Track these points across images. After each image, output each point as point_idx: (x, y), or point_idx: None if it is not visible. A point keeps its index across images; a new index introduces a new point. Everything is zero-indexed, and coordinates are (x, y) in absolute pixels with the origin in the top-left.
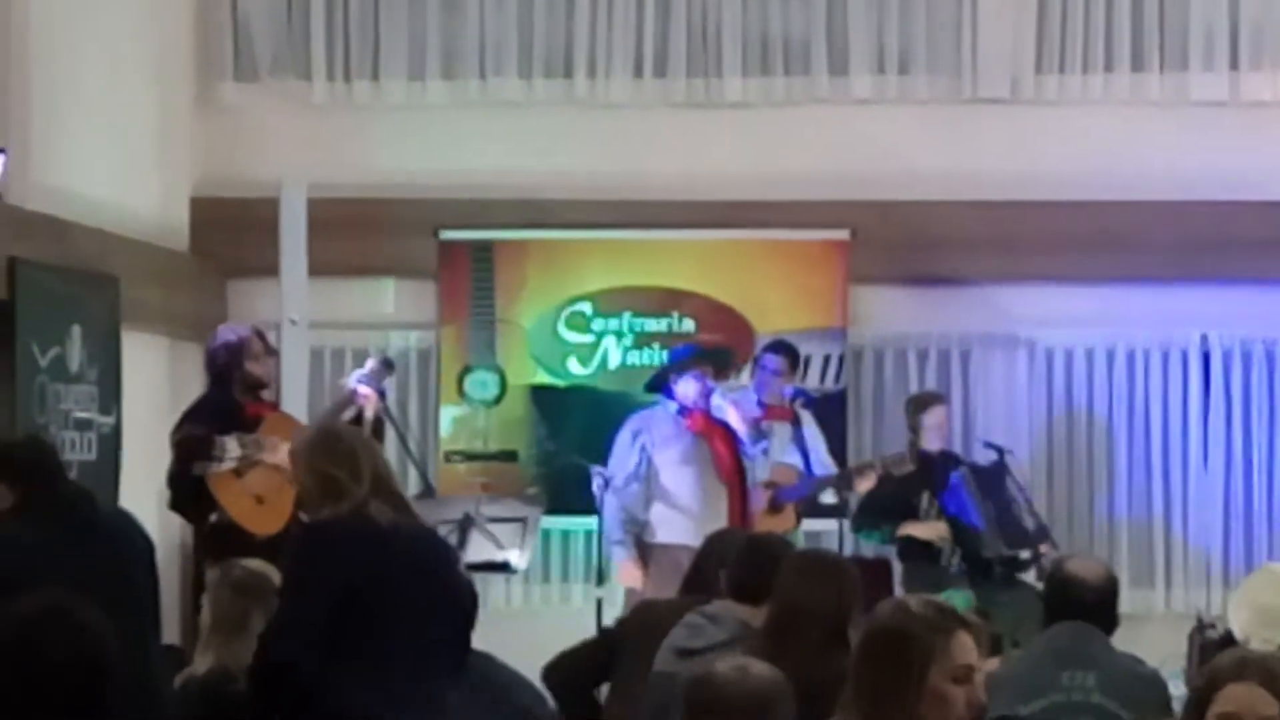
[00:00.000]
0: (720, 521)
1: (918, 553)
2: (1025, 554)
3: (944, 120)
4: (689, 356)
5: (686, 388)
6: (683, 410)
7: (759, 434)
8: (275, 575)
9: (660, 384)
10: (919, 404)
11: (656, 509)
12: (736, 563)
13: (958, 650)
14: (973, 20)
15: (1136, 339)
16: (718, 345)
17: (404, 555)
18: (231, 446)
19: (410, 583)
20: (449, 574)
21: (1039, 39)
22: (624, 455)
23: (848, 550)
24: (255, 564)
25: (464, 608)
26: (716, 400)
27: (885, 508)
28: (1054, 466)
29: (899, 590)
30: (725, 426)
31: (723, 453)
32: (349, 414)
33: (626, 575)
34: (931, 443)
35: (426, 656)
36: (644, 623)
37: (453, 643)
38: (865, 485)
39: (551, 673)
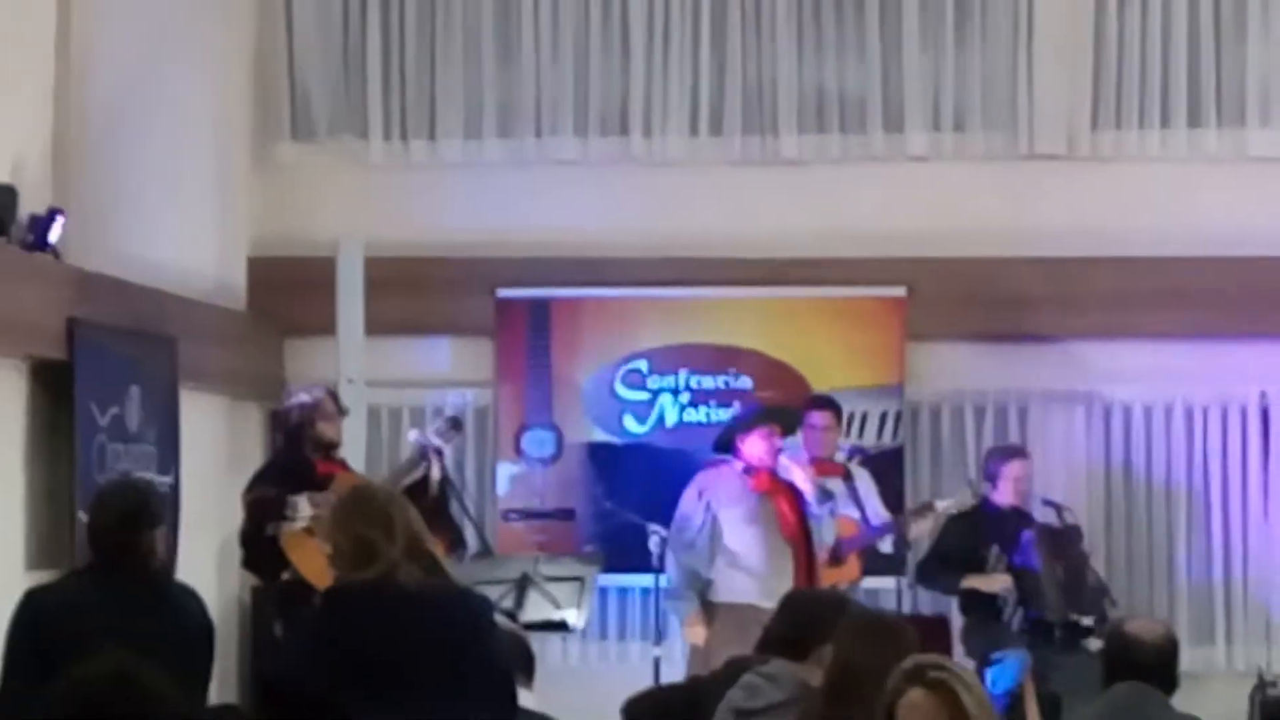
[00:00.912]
0: (785, 581)
1: (980, 607)
2: (1088, 621)
3: (1000, 176)
4: (756, 415)
5: (754, 447)
6: (748, 469)
7: (825, 494)
8: None
9: (727, 443)
10: (1001, 455)
11: (721, 567)
12: (777, 618)
13: (903, 710)
14: (1028, 76)
15: (1196, 395)
16: (784, 404)
17: (429, 620)
18: (304, 506)
19: (436, 648)
20: (481, 636)
21: (1095, 94)
22: (689, 513)
23: (906, 607)
24: None
25: (501, 669)
26: (784, 460)
27: (951, 558)
28: (1113, 523)
29: (957, 647)
30: (790, 486)
31: (787, 512)
32: (418, 472)
33: (691, 632)
34: (1005, 496)
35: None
36: (730, 678)
37: (487, 707)
38: (922, 527)
39: (634, 706)
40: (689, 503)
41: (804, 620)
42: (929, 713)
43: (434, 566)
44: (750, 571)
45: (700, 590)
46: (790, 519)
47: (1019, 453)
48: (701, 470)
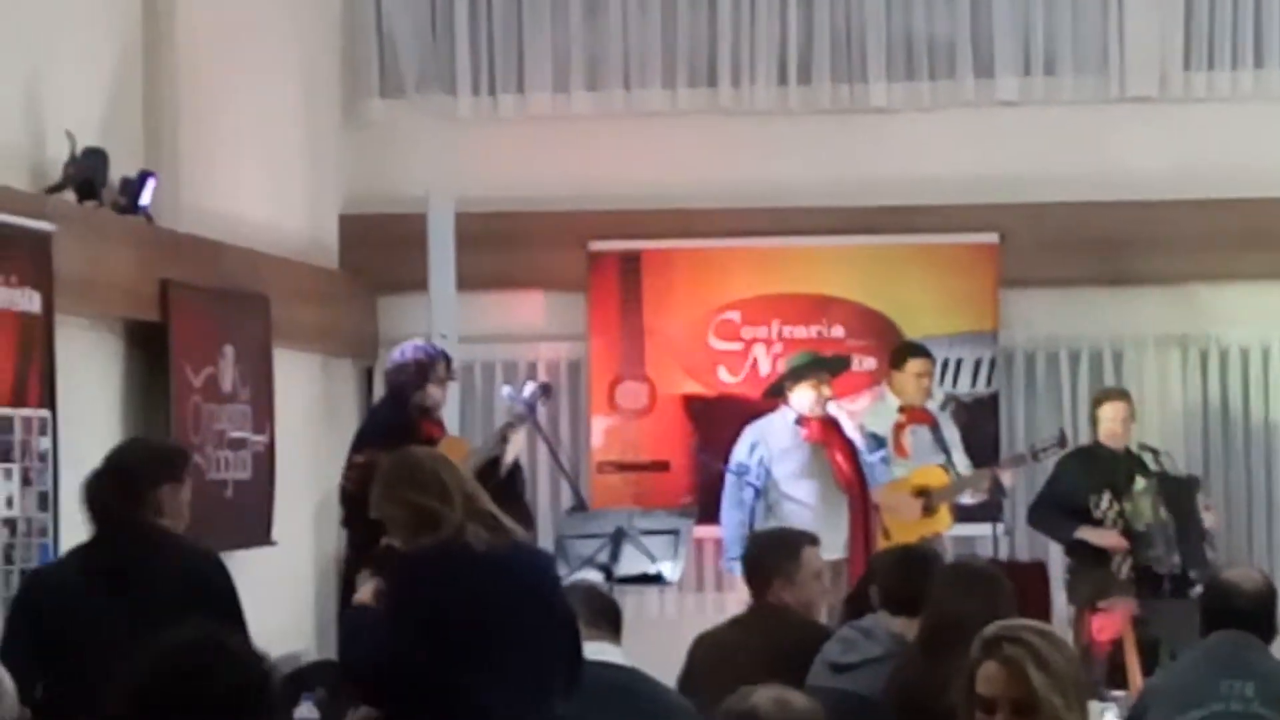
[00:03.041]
0: (841, 532)
1: (1088, 556)
2: (1194, 572)
3: (1091, 120)
4: (805, 364)
5: (803, 396)
6: (800, 419)
7: (877, 441)
8: None
9: (778, 393)
10: (1098, 398)
11: (778, 521)
12: (887, 574)
13: (980, 681)
14: (1119, 18)
15: None
16: (835, 353)
17: (503, 579)
18: None
19: (510, 607)
20: (550, 593)
21: (1186, 35)
22: (742, 467)
23: (1003, 553)
24: None
25: (569, 624)
26: (833, 408)
27: (1061, 505)
28: (1211, 466)
29: (1058, 593)
30: (842, 434)
31: (841, 462)
32: (495, 452)
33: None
34: (1110, 439)
35: (532, 678)
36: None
37: (560, 661)
38: (1011, 478)
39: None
40: (740, 457)
41: (907, 577)
42: (1001, 687)
43: (496, 524)
44: (807, 523)
45: None
46: (845, 468)
47: (1116, 394)
48: (752, 422)
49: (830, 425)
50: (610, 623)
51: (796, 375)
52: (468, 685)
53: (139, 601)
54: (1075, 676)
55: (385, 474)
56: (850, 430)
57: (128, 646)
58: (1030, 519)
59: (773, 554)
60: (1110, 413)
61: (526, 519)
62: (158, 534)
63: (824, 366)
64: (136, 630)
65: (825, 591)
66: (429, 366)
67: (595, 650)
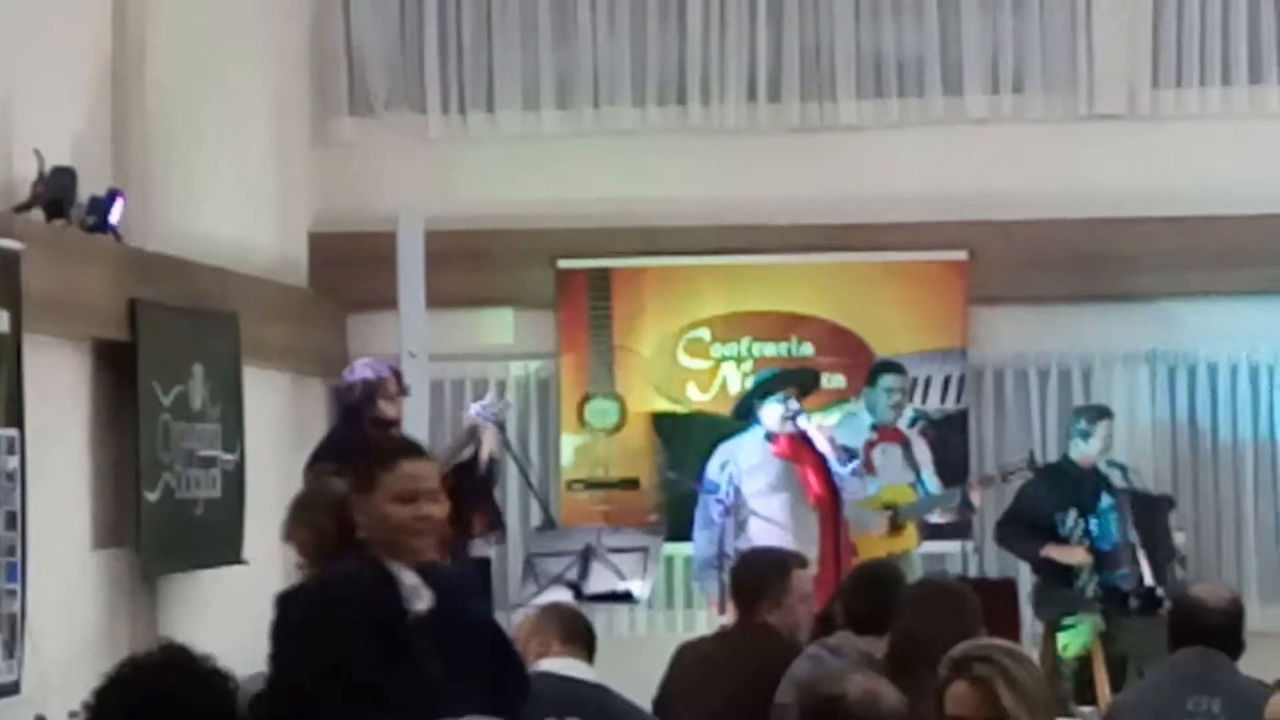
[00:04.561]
0: (813, 547)
1: (1054, 572)
2: (1162, 590)
3: (1060, 138)
4: (772, 380)
5: (771, 413)
6: (770, 435)
7: (848, 455)
8: None
9: (747, 410)
10: (1096, 414)
11: (747, 538)
12: (849, 594)
13: (949, 702)
14: (1087, 36)
15: (1261, 353)
16: (802, 366)
17: (382, 601)
18: None
19: (425, 622)
20: (464, 607)
21: (1155, 53)
22: (712, 486)
23: (973, 570)
24: None
25: (482, 632)
26: (802, 422)
27: (1028, 523)
28: (1179, 485)
29: (1027, 610)
30: (815, 450)
31: (812, 479)
32: (468, 451)
33: (719, 609)
34: (1084, 458)
35: (448, 692)
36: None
37: (480, 671)
38: (980, 497)
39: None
40: (711, 475)
41: (874, 594)
42: (970, 707)
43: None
44: (778, 540)
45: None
46: (815, 484)
47: (1100, 413)
48: (724, 441)
49: (800, 441)
50: (584, 641)
51: (764, 391)
52: (390, 693)
53: None
54: (1044, 696)
55: (297, 501)
56: (821, 444)
57: None
58: (997, 537)
59: (763, 574)
60: (1104, 430)
61: (495, 517)
62: None
63: (791, 381)
64: None
65: (811, 614)
66: (376, 386)
67: (566, 666)
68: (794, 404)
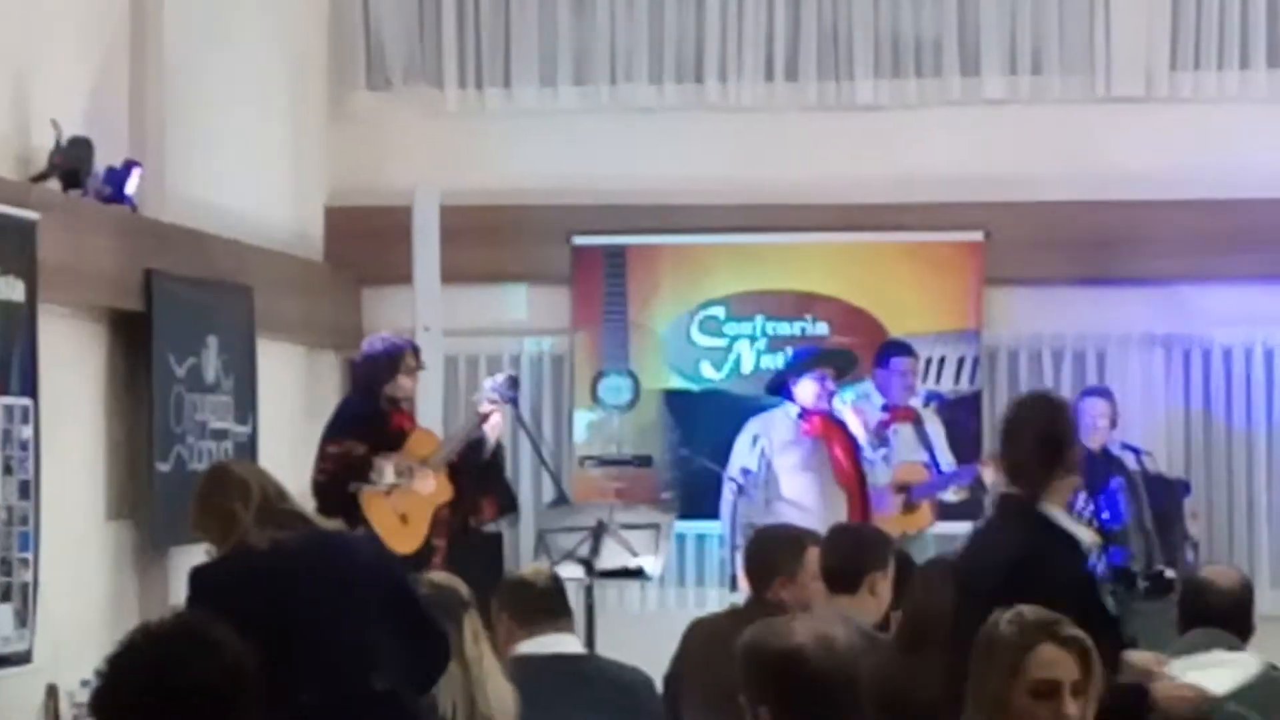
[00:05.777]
0: None
1: None
2: (1172, 573)
3: (1077, 120)
4: (810, 358)
5: (806, 390)
6: (803, 413)
7: (880, 440)
8: (462, 587)
9: (780, 386)
10: (1082, 394)
11: (775, 514)
12: (825, 551)
13: (1035, 665)
14: (1105, 18)
15: (1276, 338)
16: (840, 347)
17: (293, 574)
18: (388, 472)
19: (308, 599)
20: (360, 575)
21: (1173, 35)
22: (743, 459)
23: None
24: (441, 577)
25: (396, 600)
26: (837, 403)
27: None
28: (1192, 468)
29: None
30: (845, 430)
31: (841, 457)
32: (475, 435)
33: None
34: (1089, 439)
35: (349, 662)
36: None
37: (392, 638)
38: (992, 475)
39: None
40: (742, 448)
41: (849, 551)
42: (1066, 669)
43: (291, 520)
44: (805, 517)
45: None
46: (844, 463)
47: (1094, 392)
48: (754, 416)
49: (832, 421)
50: (562, 610)
51: (801, 368)
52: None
53: None
54: None
55: (199, 487)
56: (855, 427)
57: None
58: None
59: (776, 552)
60: (1086, 408)
61: (509, 499)
62: None
63: (829, 361)
64: None
65: (823, 592)
66: (399, 357)
67: (552, 643)
68: (830, 383)
